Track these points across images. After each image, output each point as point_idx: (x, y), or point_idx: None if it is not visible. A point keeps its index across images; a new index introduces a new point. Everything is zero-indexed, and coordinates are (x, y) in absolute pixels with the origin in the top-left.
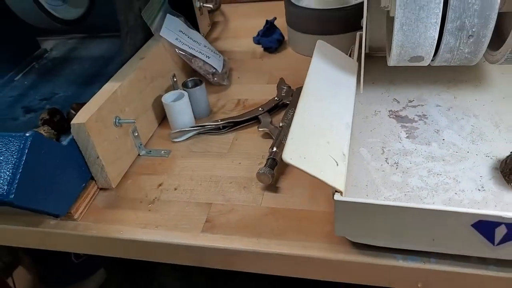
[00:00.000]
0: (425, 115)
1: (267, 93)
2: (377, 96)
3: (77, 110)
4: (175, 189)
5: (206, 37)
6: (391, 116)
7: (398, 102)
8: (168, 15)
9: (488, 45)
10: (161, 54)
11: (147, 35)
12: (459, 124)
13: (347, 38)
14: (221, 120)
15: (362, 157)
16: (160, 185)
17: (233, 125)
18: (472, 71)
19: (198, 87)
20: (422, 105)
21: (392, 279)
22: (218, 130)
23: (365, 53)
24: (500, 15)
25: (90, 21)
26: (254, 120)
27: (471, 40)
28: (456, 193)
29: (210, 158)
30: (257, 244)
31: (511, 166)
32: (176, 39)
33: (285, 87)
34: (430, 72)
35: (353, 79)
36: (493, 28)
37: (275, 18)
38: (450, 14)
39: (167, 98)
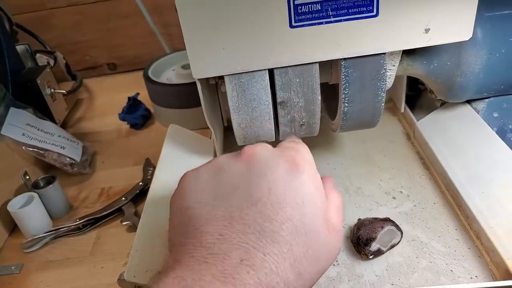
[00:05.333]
0: None
1: (133, 176)
2: None
3: None
4: None
5: (67, 120)
6: None
7: None
8: (11, 108)
9: (330, 114)
10: (5, 154)
11: None
12: None
13: None
14: (80, 218)
15: None
16: None
17: (95, 221)
18: (324, 134)
19: (51, 185)
20: None
21: None
22: (78, 230)
23: (225, 126)
24: (333, 86)
25: None
26: (118, 212)
27: (303, 127)
28: None
29: (70, 266)
30: None
31: (358, 235)
32: (23, 134)
33: (151, 169)
34: None
35: (211, 158)
36: (319, 116)
37: (138, 94)
38: (280, 111)
39: (15, 205)
